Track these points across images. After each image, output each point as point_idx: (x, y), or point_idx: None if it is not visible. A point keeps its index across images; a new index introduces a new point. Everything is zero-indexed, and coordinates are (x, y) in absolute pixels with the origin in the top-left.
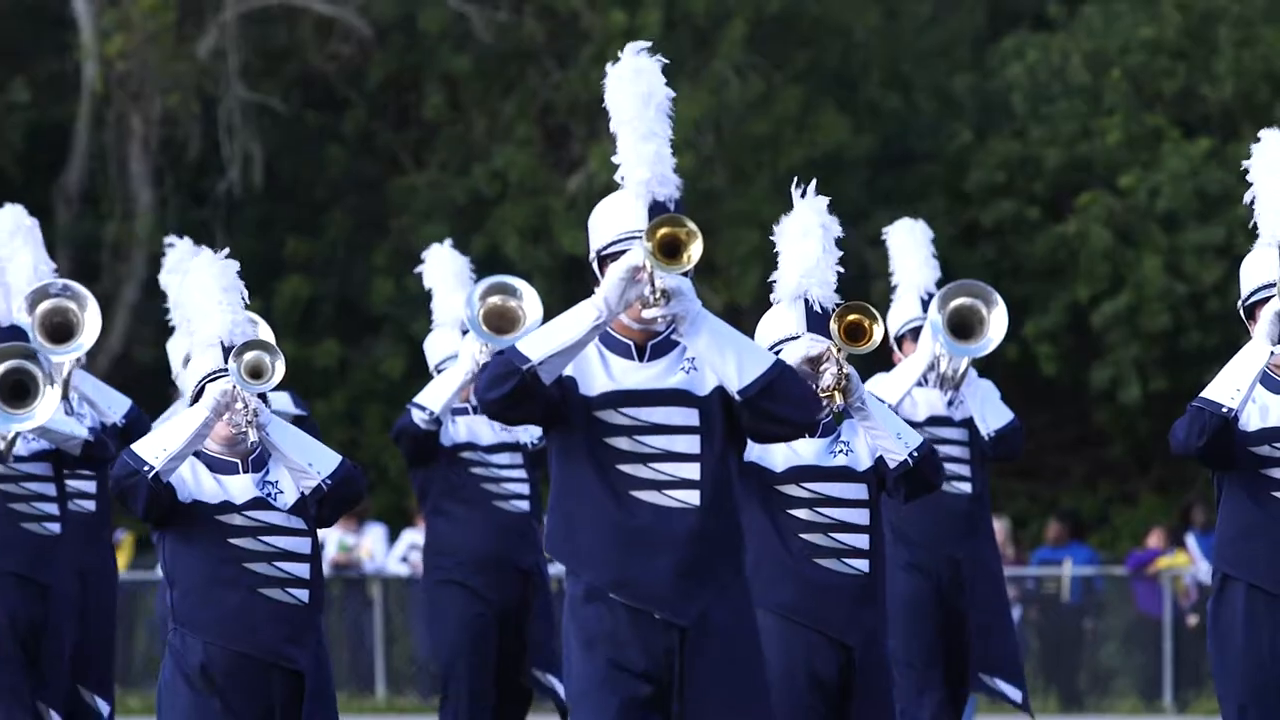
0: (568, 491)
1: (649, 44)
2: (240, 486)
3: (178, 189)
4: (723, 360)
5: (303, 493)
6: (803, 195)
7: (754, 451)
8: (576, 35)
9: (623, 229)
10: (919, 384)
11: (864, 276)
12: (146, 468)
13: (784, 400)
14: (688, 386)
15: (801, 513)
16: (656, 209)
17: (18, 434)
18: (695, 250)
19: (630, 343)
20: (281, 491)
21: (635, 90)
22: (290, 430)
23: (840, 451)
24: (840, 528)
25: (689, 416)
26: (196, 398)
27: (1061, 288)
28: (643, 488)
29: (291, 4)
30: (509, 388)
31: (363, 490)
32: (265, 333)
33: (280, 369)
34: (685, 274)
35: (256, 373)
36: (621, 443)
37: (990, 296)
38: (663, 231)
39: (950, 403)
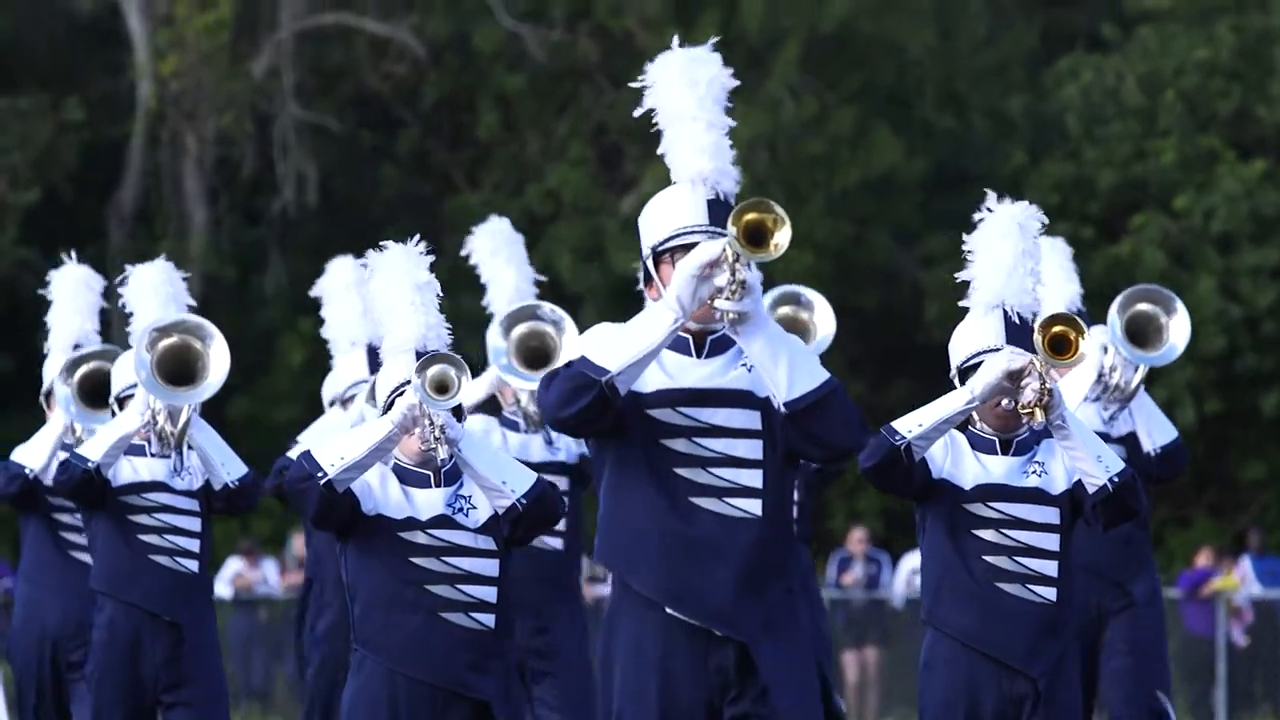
0: (620, 499)
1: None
2: (428, 502)
3: (232, 208)
4: (775, 367)
5: (496, 511)
6: (998, 199)
7: (944, 468)
8: (630, 55)
9: (681, 224)
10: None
11: (917, 297)
12: (321, 474)
13: (829, 422)
14: (749, 386)
15: (987, 534)
16: (721, 205)
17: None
18: (782, 238)
19: (688, 337)
20: (475, 507)
21: (696, 77)
22: (484, 446)
23: (1034, 472)
24: (1027, 552)
25: (750, 419)
26: (388, 408)
27: None
28: (702, 494)
29: (346, 23)
30: (587, 402)
31: (560, 510)
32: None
33: (468, 383)
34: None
35: (442, 388)
36: (679, 445)
37: (1170, 303)
38: (749, 217)
39: (1110, 418)
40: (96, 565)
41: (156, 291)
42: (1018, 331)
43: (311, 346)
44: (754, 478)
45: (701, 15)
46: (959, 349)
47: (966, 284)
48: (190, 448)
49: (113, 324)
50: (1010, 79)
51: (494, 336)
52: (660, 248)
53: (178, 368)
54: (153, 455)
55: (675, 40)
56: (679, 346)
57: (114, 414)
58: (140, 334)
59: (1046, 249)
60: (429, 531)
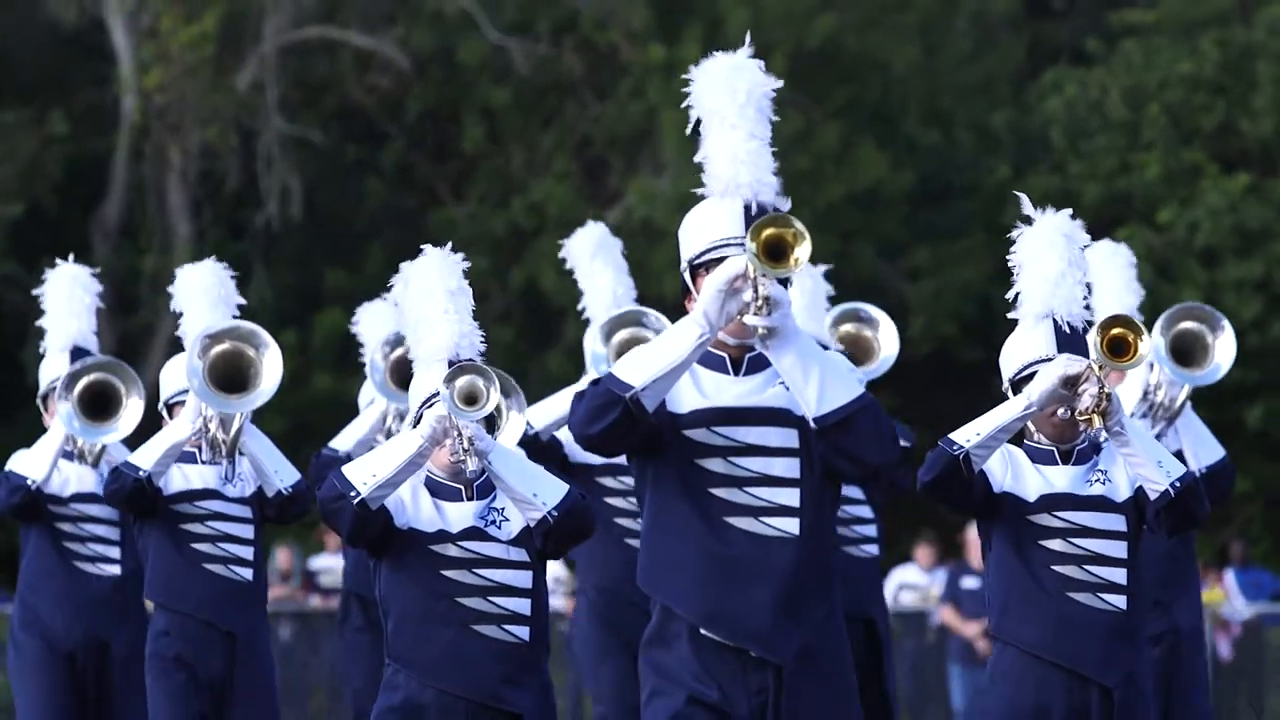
0: (658, 520)
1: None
2: (459, 514)
3: (216, 221)
4: (805, 382)
5: (528, 524)
6: (1040, 210)
7: (1005, 483)
8: (615, 69)
9: (718, 236)
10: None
11: (902, 311)
12: (354, 493)
13: (861, 437)
14: (786, 404)
15: (1055, 544)
16: (760, 215)
17: (104, 446)
18: (803, 253)
19: (725, 356)
20: (507, 519)
21: (736, 86)
22: (514, 458)
23: (1097, 480)
24: (1096, 560)
25: (788, 437)
26: (418, 419)
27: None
28: (738, 514)
29: (330, 37)
30: (611, 419)
31: (592, 522)
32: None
33: (496, 394)
34: (785, 284)
35: (471, 399)
36: (715, 465)
37: (1216, 321)
38: (768, 232)
39: (1157, 435)
40: (150, 575)
41: (207, 293)
42: (1069, 341)
43: (296, 359)
44: (791, 496)
45: (686, 29)
46: (1010, 361)
47: (948, 295)
48: (242, 454)
49: (101, 333)
50: (995, 93)
51: (593, 342)
52: (697, 260)
53: (230, 374)
54: (204, 463)
55: (704, 54)
56: (716, 365)
57: (164, 421)
58: (192, 341)
59: (1109, 255)
60: (460, 544)
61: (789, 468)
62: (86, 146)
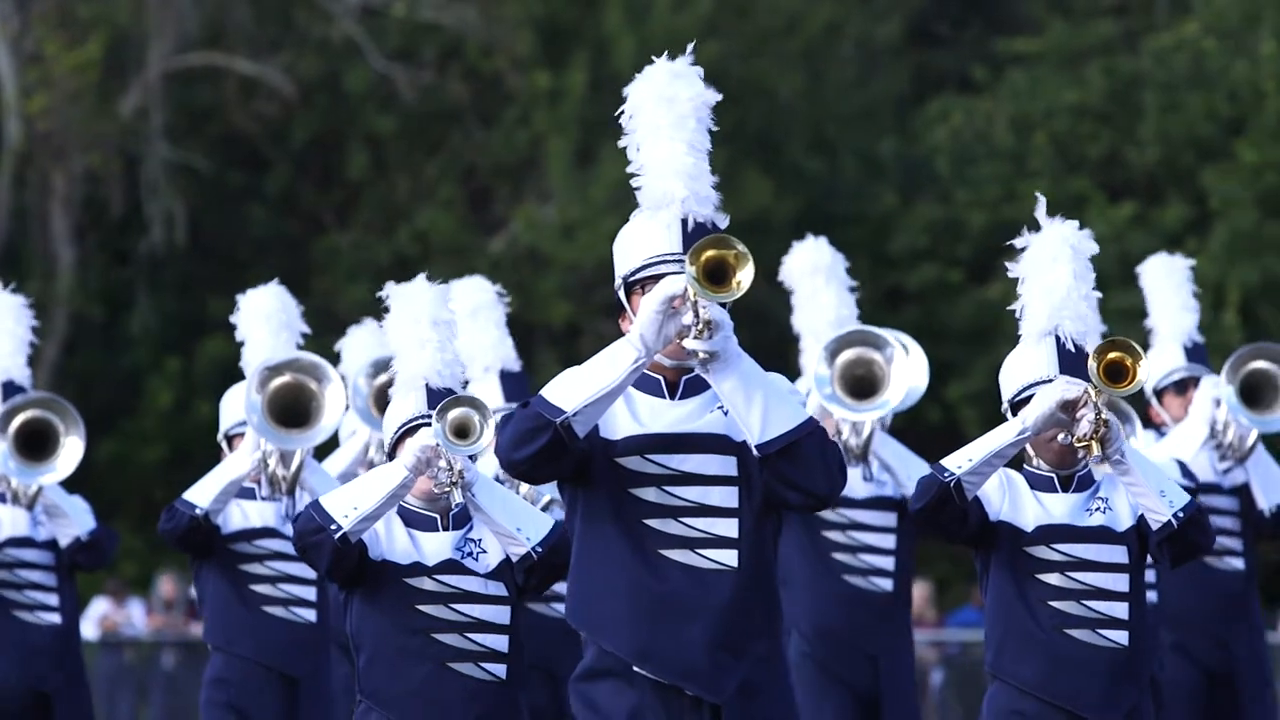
0: (589, 552)
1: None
2: (435, 546)
3: (100, 248)
4: (747, 408)
5: (509, 556)
6: (1049, 215)
7: (1002, 510)
8: (500, 97)
9: (654, 251)
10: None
11: (785, 339)
12: (334, 526)
13: (805, 466)
14: (724, 430)
15: (1052, 578)
16: (698, 231)
17: (39, 488)
18: (745, 276)
19: (660, 379)
20: (485, 552)
21: (675, 95)
22: (499, 491)
23: (1097, 509)
24: (1096, 594)
25: (726, 465)
26: (394, 448)
27: (985, 351)
28: (673, 546)
29: (215, 63)
30: (540, 444)
31: None
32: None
33: (490, 430)
34: (725, 306)
35: (463, 432)
36: (649, 494)
37: None
38: (709, 254)
39: (1225, 470)
40: (207, 617)
41: (270, 319)
42: (1072, 360)
43: (179, 387)
44: (729, 527)
45: (572, 56)
46: (1010, 381)
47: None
48: (303, 490)
49: None
50: (880, 121)
51: (817, 363)
52: (632, 277)
53: (291, 408)
54: (263, 499)
55: (653, 65)
56: (651, 388)
57: (223, 454)
58: (252, 373)
59: (1166, 271)
60: (436, 577)
61: (727, 497)
62: None
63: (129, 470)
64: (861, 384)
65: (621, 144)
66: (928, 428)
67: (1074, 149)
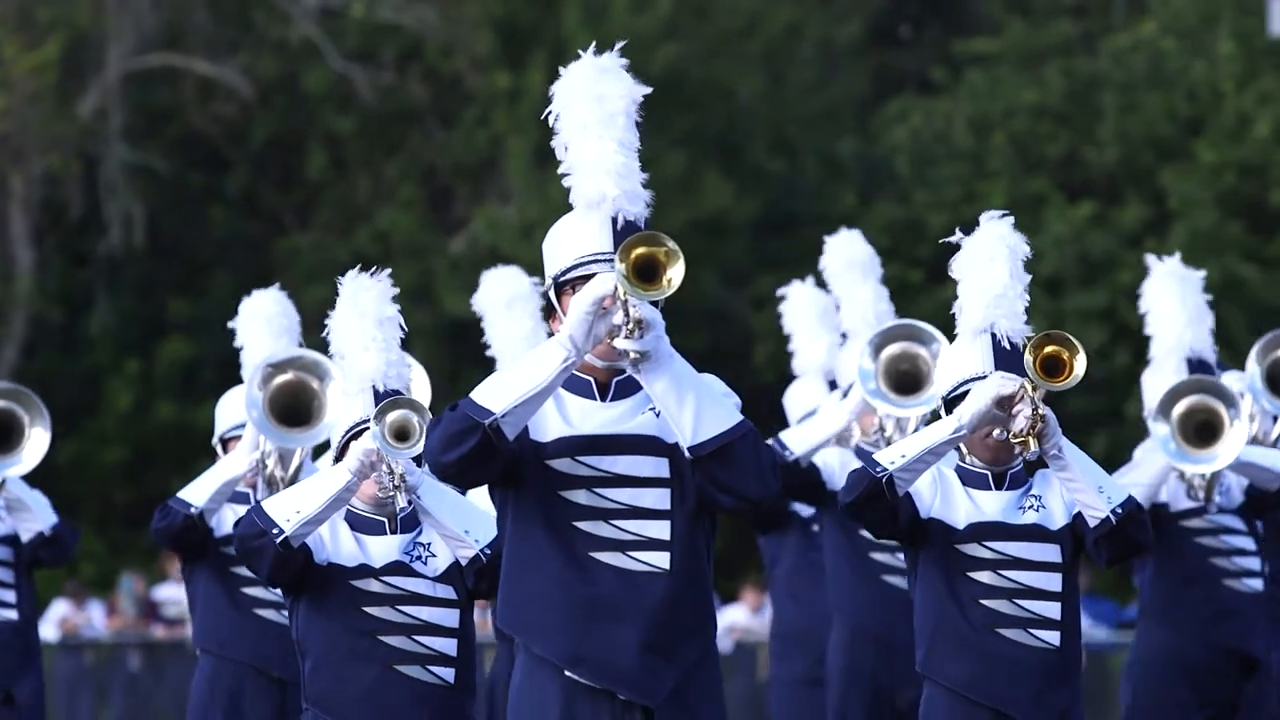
0: (520, 555)
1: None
2: (382, 549)
3: (59, 249)
4: (679, 409)
5: (458, 560)
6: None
7: (933, 507)
8: (460, 97)
9: (585, 251)
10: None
11: (747, 339)
12: (276, 530)
13: (737, 468)
14: (656, 432)
15: (984, 576)
16: (628, 229)
17: (3, 480)
18: (676, 273)
19: (591, 380)
20: (434, 555)
21: (603, 92)
22: (446, 494)
23: (1031, 507)
24: (1028, 594)
25: (658, 466)
26: (341, 453)
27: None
28: (604, 549)
29: (174, 64)
30: (469, 447)
31: None
32: (420, 380)
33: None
34: (656, 305)
35: (402, 434)
36: (580, 496)
37: None
38: (639, 251)
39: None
40: (197, 620)
41: (270, 322)
42: (1008, 357)
43: (139, 388)
44: (661, 529)
45: (531, 57)
46: (945, 378)
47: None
48: None
49: None
50: (840, 122)
51: (861, 358)
52: (562, 277)
53: (292, 407)
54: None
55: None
56: (581, 389)
57: (217, 457)
58: (253, 370)
59: (1193, 287)
60: (383, 579)
61: (659, 499)
62: None
63: (89, 471)
64: (906, 379)
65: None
66: None
67: (1033, 149)
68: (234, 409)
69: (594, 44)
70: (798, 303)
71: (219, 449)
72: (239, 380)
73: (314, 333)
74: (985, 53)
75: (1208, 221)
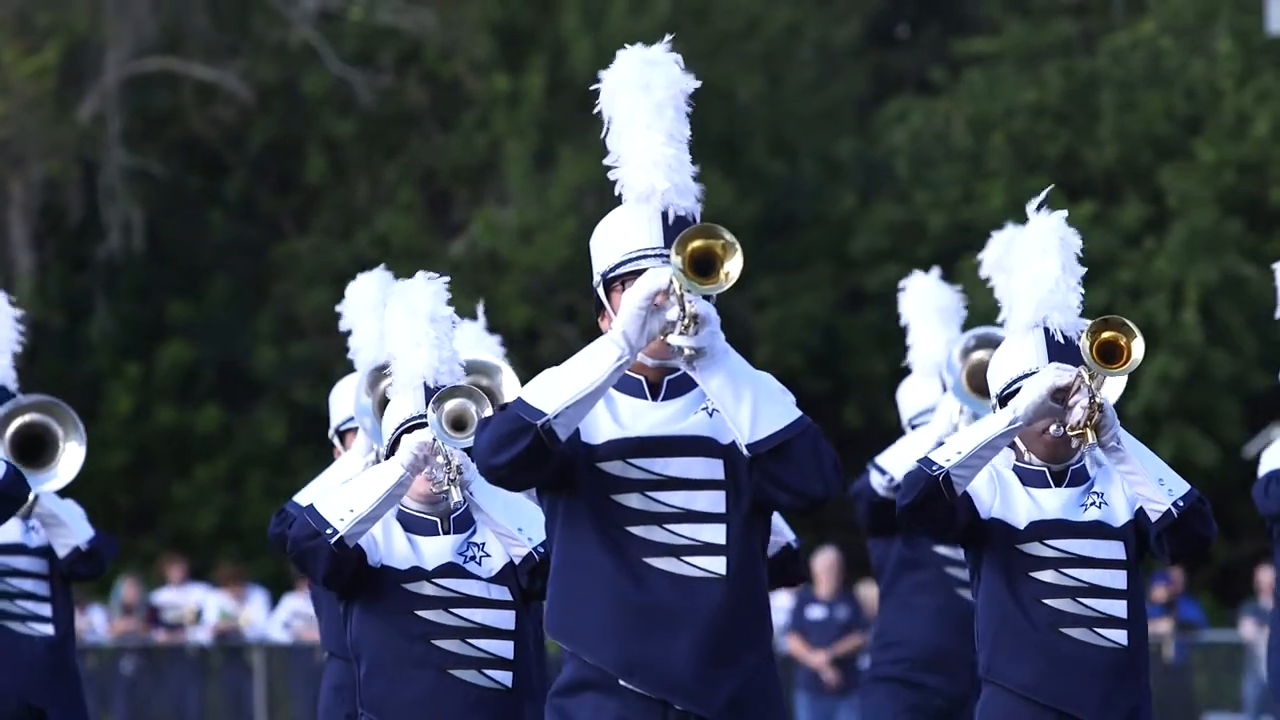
0: (570, 560)
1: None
2: (435, 550)
3: (58, 254)
4: (737, 406)
5: (512, 560)
6: (1038, 209)
7: (993, 508)
8: (459, 100)
9: (636, 246)
10: None
11: (747, 340)
12: (330, 530)
13: (798, 466)
14: (710, 432)
15: (1047, 575)
16: (679, 225)
17: (36, 495)
18: (734, 266)
19: (642, 379)
20: (488, 556)
21: (652, 82)
22: (497, 491)
23: (1093, 504)
24: (1092, 592)
25: (712, 468)
26: (392, 449)
27: None
28: (658, 554)
29: (172, 69)
30: (520, 448)
31: None
32: (510, 381)
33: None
34: (710, 299)
35: (460, 424)
36: (632, 500)
37: None
38: (695, 244)
39: None
40: (324, 624)
41: (376, 308)
42: (1062, 352)
43: (139, 392)
44: (717, 533)
45: (530, 60)
46: (997, 375)
47: (794, 325)
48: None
49: None
50: (839, 123)
51: (953, 357)
52: (612, 273)
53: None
54: None
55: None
56: (632, 389)
57: (336, 451)
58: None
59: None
60: (436, 581)
61: (714, 502)
62: None
63: (89, 475)
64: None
65: (578, 147)
66: (887, 429)
67: (1032, 149)
68: (347, 401)
69: (591, 47)
70: (917, 294)
71: (336, 442)
72: (238, 381)
73: (313, 336)
74: (984, 52)
75: (1207, 220)
